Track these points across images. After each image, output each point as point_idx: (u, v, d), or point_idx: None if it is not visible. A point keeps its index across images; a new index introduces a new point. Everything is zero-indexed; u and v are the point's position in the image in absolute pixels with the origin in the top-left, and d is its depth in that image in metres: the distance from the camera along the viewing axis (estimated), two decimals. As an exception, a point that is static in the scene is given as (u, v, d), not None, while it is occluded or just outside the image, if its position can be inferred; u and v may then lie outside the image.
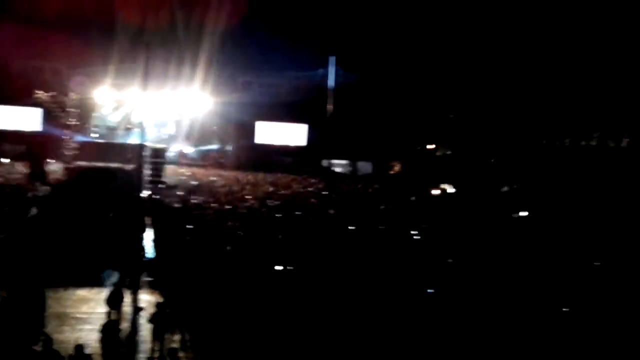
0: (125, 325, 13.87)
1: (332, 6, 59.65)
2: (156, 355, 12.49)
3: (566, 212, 32.02)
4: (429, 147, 68.07)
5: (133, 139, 37.22)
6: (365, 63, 60.41)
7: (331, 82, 39.39)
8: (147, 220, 23.63)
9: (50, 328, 13.71)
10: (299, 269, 15.71)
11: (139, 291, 15.06)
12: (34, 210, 24.83)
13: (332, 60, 42.54)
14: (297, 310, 12.46)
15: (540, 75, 49.78)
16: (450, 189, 46.78)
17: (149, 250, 18.88)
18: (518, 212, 31.62)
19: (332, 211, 27.46)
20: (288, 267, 15.94)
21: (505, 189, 45.98)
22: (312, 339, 11.24)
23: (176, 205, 27.01)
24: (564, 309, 12.98)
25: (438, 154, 67.39)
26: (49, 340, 11.18)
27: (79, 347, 10.88)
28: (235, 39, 57.06)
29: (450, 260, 17.34)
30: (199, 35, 55.27)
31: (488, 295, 13.82)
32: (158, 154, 36.14)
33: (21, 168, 38.61)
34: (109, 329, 13.51)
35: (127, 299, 15.24)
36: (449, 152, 66.51)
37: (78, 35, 50.79)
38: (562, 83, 50.13)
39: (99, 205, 25.07)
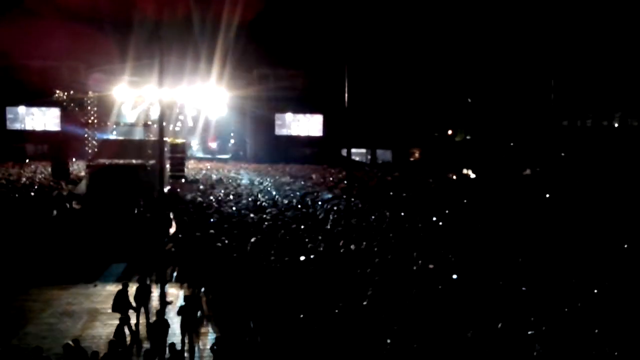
0: (154, 319, 14.02)
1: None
2: (186, 347, 12.61)
3: (589, 194, 31.67)
4: (448, 132, 67.63)
5: (152, 135, 37.48)
6: (379, 50, 60.05)
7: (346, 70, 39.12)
8: (171, 214, 23.86)
9: (81, 324, 13.93)
10: (322, 258, 15.68)
11: (167, 285, 15.21)
12: (60, 208, 25.16)
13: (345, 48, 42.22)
14: (322, 300, 12.47)
15: (558, 54, 49.11)
16: (471, 174, 46.48)
17: (175, 245, 19.03)
18: (541, 195, 31.33)
19: (353, 200, 27.40)
20: (310, 257, 15.90)
21: (528, 172, 45.56)
22: (337, 327, 11.24)
23: (199, 199, 27.17)
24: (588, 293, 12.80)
25: (457, 139, 66.92)
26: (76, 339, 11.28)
27: (112, 342, 11.00)
28: (250, 31, 57.06)
29: (473, 247, 17.18)
30: (215, 29, 55.34)
31: (511, 281, 13.70)
32: (178, 149, 36.41)
33: (44, 167, 39.17)
34: (139, 324, 13.72)
35: (155, 293, 15.43)
36: (468, 137, 66.02)
37: (95, 33, 51.17)
38: (582, 63, 49.43)
39: (123, 202, 25.36)
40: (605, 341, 10.03)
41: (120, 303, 13.61)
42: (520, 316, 11.32)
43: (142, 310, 14.06)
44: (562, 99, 52.42)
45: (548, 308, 11.76)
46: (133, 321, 13.79)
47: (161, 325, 12.02)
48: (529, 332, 10.51)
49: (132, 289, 14.08)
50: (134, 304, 13.80)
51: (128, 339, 13.06)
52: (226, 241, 17.34)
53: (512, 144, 56.27)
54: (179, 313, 13.16)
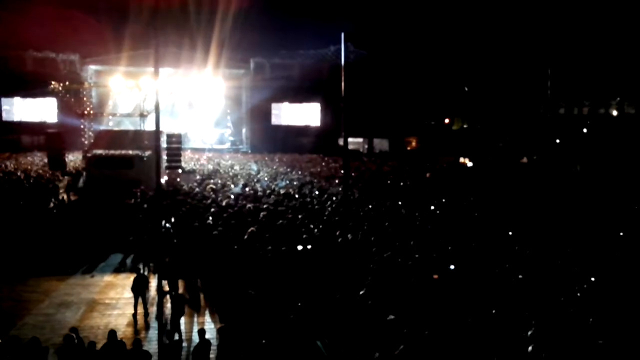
0: (151, 309, 14.08)
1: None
2: (185, 337, 12.66)
3: (587, 183, 31.71)
4: (444, 121, 67.59)
5: (149, 126, 37.34)
6: (376, 38, 59.84)
7: (343, 59, 39.02)
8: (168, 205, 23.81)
9: (79, 315, 13.96)
10: (319, 248, 15.66)
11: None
12: (56, 199, 25.14)
13: (342, 37, 42.00)
14: (319, 290, 12.50)
15: (555, 42, 49.01)
16: (469, 163, 46.48)
17: (172, 236, 19.02)
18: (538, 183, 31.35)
19: (349, 190, 27.36)
20: (307, 247, 15.88)
21: (524, 160, 45.57)
22: (334, 317, 11.28)
23: (196, 189, 27.14)
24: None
25: (454, 127, 66.90)
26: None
27: (112, 332, 10.96)
28: (245, 20, 56.79)
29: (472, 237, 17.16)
30: (211, 19, 55.07)
31: (508, 269, 13.70)
32: (174, 139, 36.23)
33: (40, 158, 39.07)
34: (136, 314, 13.77)
35: (153, 283, 15.46)
36: (465, 126, 66.00)
37: (91, 23, 50.90)
38: (578, 51, 49.35)
39: (119, 193, 25.34)
40: (600, 332, 10.06)
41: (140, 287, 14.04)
42: (516, 305, 11.34)
43: (140, 300, 14.10)
44: (559, 86, 52.39)
45: (545, 297, 11.78)
46: (130, 311, 13.85)
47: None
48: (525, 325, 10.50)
49: (130, 279, 14.08)
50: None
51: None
52: (223, 231, 17.34)
53: (509, 131, 56.27)
54: (173, 302, 13.19)
